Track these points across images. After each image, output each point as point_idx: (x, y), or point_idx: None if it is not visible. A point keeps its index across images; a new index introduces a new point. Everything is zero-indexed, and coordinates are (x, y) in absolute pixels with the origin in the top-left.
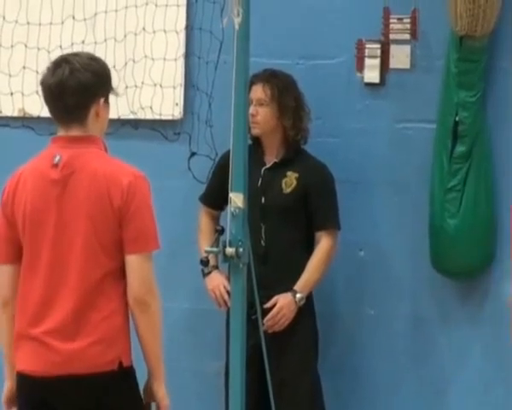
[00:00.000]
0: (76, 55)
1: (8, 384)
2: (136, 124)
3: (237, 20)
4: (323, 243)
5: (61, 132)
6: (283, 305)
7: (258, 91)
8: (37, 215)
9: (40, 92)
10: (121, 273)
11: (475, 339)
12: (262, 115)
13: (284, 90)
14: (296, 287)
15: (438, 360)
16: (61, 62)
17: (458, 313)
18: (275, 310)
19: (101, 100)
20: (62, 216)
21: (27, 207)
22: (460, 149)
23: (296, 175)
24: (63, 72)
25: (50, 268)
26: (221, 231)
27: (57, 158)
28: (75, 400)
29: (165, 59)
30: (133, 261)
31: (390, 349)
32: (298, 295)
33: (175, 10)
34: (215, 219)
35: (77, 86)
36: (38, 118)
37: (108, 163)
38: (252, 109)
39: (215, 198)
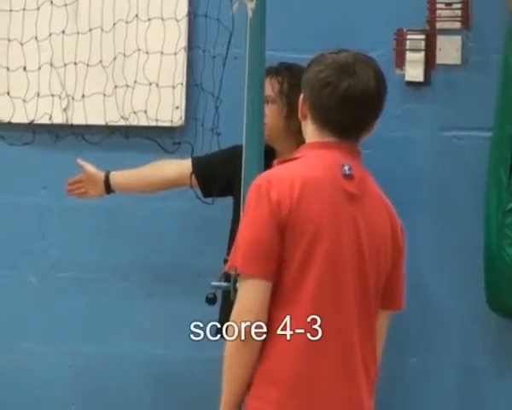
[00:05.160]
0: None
1: None
2: (127, 132)
3: (251, 6)
4: None
5: (336, 140)
6: None
7: (266, 87)
8: (336, 230)
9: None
10: None
11: None
12: (268, 115)
13: (297, 85)
14: None
15: None
16: (358, 61)
17: None
18: None
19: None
20: (359, 240)
21: (324, 219)
22: None
23: None
24: (367, 75)
25: (358, 306)
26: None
27: (347, 168)
28: None
29: (162, 53)
30: (387, 321)
31: (436, 407)
32: None
33: None
34: (173, 184)
35: (380, 95)
36: (10, 124)
37: (379, 189)
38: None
39: (204, 172)
